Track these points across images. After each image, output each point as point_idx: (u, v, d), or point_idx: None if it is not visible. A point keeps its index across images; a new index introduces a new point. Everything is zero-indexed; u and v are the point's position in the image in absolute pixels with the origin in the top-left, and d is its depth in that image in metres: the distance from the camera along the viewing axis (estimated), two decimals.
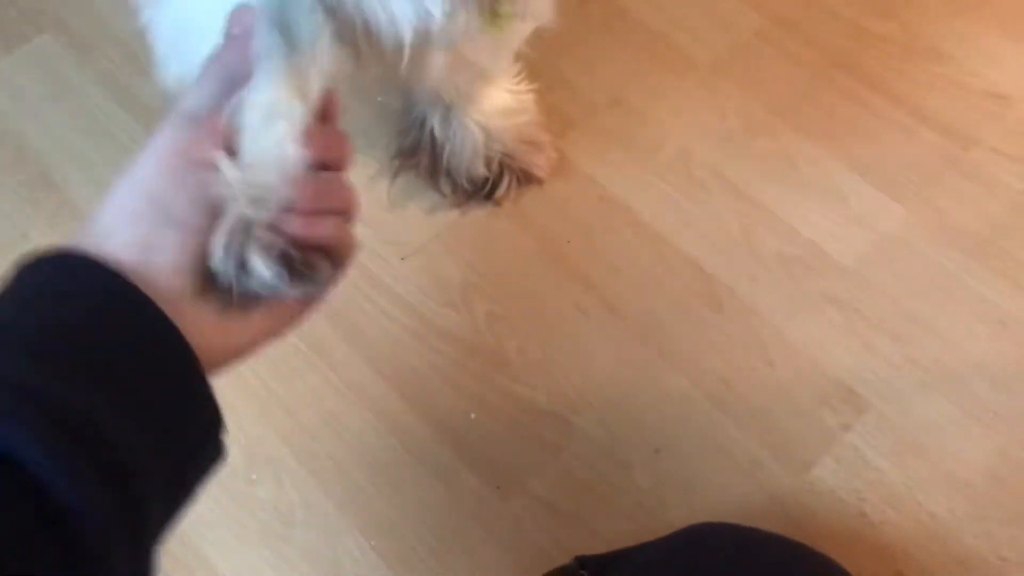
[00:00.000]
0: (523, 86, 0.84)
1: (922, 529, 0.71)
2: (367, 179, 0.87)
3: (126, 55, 0.95)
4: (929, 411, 0.75)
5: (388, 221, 0.85)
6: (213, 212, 0.39)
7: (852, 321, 0.79)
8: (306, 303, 0.43)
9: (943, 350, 0.78)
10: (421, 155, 0.84)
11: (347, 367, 0.77)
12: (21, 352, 0.33)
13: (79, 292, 0.36)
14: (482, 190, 0.84)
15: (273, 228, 0.40)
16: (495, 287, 0.81)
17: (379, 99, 0.91)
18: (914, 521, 0.71)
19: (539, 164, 0.85)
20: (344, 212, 0.44)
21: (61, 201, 0.86)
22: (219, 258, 0.39)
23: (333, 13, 0.49)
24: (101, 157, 0.89)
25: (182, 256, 0.38)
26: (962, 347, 0.78)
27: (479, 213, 0.85)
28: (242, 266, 0.39)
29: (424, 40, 0.54)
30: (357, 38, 0.55)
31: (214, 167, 0.39)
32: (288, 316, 0.43)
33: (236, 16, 0.43)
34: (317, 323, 0.79)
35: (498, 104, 0.82)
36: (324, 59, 0.45)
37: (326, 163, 0.43)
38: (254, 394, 0.76)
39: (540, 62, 0.85)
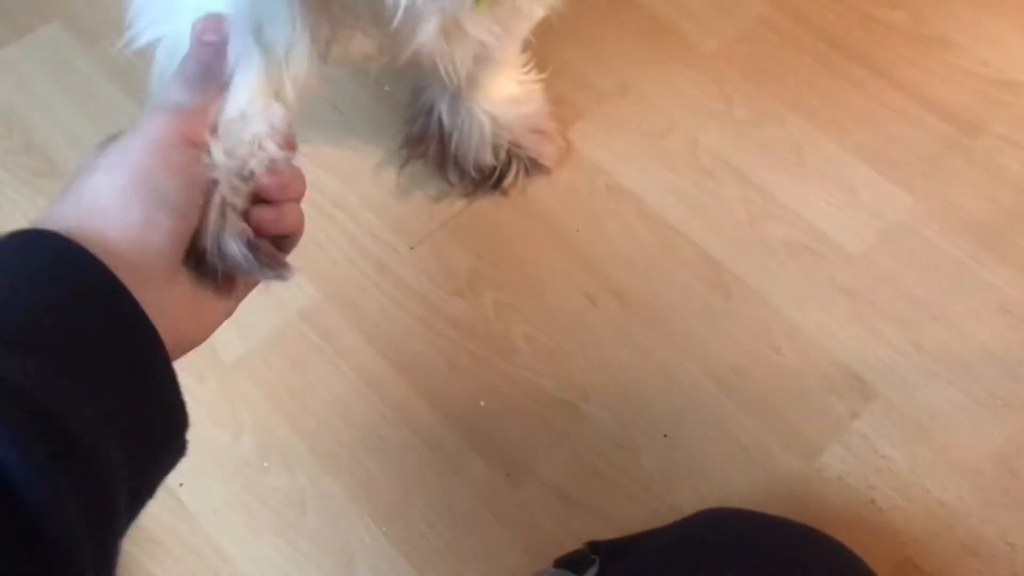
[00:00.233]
0: (532, 76, 0.84)
1: (930, 516, 0.71)
2: (375, 168, 0.87)
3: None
4: (937, 398, 0.75)
5: (396, 210, 0.85)
6: (202, 195, 0.41)
7: (860, 309, 0.79)
8: (252, 286, 0.45)
9: (951, 338, 0.78)
10: (429, 143, 0.84)
11: (357, 355, 0.78)
12: (7, 340, 0.32)
13: (58, 276, 0.35)
14: (489, 179, 0.84)
15: (246, 216, 0.43)
16: (503, 275, 0.81)
17: (386, 88, 0.91)
18: (922, 508, 0.71)
19: (547, 153, 0.85)
20: (300, 198, 0.46)
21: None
22: (207, 238, 0.41)
23: None
24: None
25: (173, 238, 0.39)
26: (969, 334, 0.78)
27: (487, 202, 0.85)
28: (219, 249, 0.41)
29: (414, 6, 0.55)
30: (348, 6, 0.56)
31: (205, 150, 0.41)
32: (240, 299, 0.45)
33: (207, 24, 0.44)
34: (327, 312, 0.79)
35: (506, 93, 0.82)
36: (299, 64, 0.47)
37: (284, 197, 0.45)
38: (265, 383, 0.76)
39: (546, 51, 0.85)
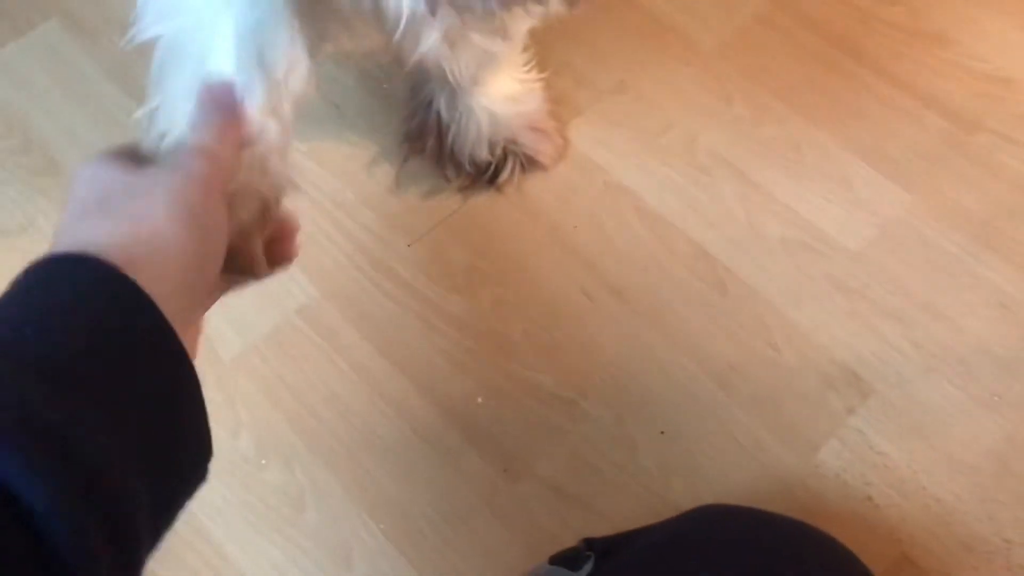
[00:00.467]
0: (532, 75, 0.84)
1: (927, 512, 0.71)
2: (374, 165, 0.87)
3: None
4: (934, 395, 0.75)
5: (395, 207, 0.85)
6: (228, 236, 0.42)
7: (857, 305, 0.79)
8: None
9: (948, 334, 0.78)
10: (427, 138, 0.84)
11: (355, 352, 0.78)
12: (26, 370, 0.31)
13: (101, 305, 0.34)
14: (484, 174, 0.85)
15: None
16: (501, 272, 0.82)
17: (385, 87, 0.91)
18: (919, 504, 0.71)
19: (544, 151, 0.85)
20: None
21: (66, 187, 0.86)
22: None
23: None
24: (107, 144, 0.88)
25: (208, 276, 0.40)
26: (967, 331, 0.78)
27: (485, 199, 0.85)
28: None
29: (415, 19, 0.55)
30: (353, 16, 0.56)
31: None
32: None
33: (218, 90, 0.46)
34: (325, 309, 0.80)
35: (505, 90, 0.82)
36: (298, 83, 0.48)
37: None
38: (263, 380, 0.77)
39: (546, 49, 0.85)
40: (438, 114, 0.82)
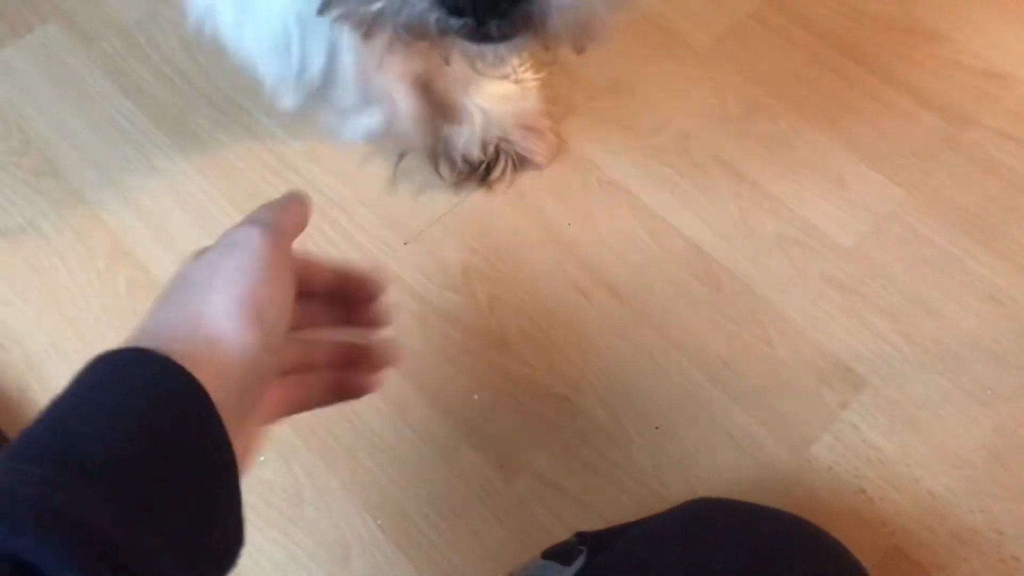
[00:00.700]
0: (528, 74, 0.84)
1: (920, 506, 0.71)
2: (370, 164, 0.88)
3: (129, 43, 0.96)
4: (927, 389, 0.76)
5: (391, 206, 0.86)
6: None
7: (850, 301, 0.80)
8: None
9: (941, 329, 0.78)
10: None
11: None
12: (81, 473, 0.32)
13: (157, 401, 0.34)
14: (476, 172, 0.85)
15: None
16: (496, 270, 0.82)
17: None
18: (912, 498, 0.72)
19: (537, 150, 0.86)
20: None
21: (67, 189, 0.87)
22: None
23: None
24: (106, 145, 0.90)
25: (267, 370, 0.38)
26: (959, 326, 0.79)
27: (480, 197, 0.86)
28: None
29: None
30: None
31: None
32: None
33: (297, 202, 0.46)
34: None
35: (499, 90, 0.83)
36: None
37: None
38: None
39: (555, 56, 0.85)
40: None
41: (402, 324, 0.80)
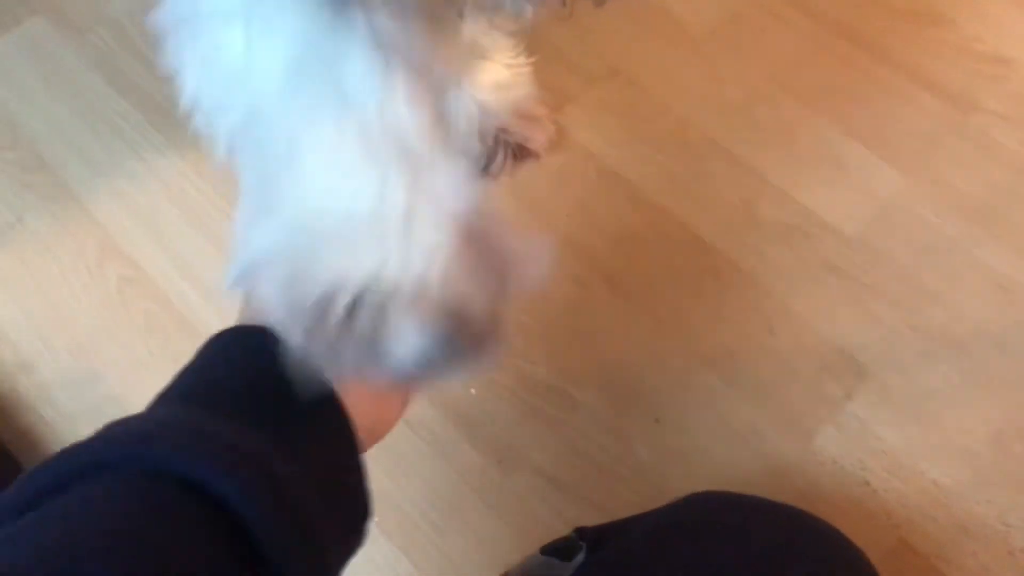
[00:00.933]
0: (520, 60, 0.83)
1: (925, 497, 0.70)
2: None
3: (119, 37, 0.94)
4: (931, 378, 0.75)
5: None
6: None
7: (853, 289, 0.79)
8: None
9: (945, 317, 0.77)
10: None
11: None
12: (225, 414, 0.35)
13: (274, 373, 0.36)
14: (476, 164, 0.84)
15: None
16: None
17: None
18: (917, 489, 0.71)
19: (536, 139, 0.84)
20: None
21: (55, 183, 0.86)
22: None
23: None
24: (95, 139, 0.88)
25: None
26: (964, 313, 0.77)
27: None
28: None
29: None
30: None
31: None
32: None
33: None
34: None
35: (494, 78, 0.81)
36: None
37: None
38: None
39: (535, 34, 0.84)
40: None
41: None
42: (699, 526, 0.52)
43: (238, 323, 0.40)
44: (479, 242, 0.37)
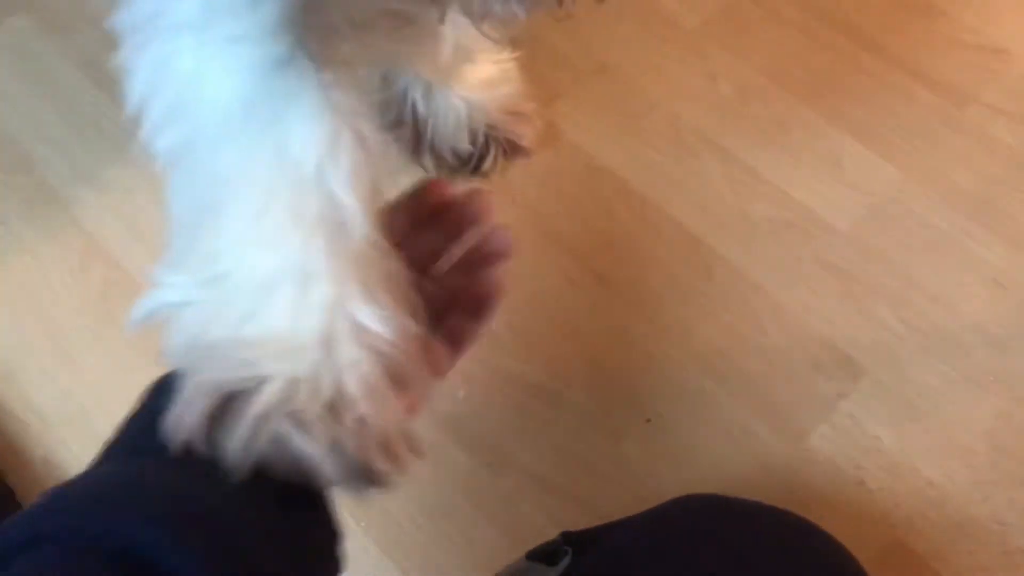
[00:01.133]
0: (506, 55, 0.82)
1: (921, 496, 0.69)
2: None
3: (102, 36, 0.92)
4: (927, 376, 0.74)
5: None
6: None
7: (847, 286, 0.77)
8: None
9: (940, 313, 0.76)
10: (404, 129, 0.82)
11: None
12: (172, 467, 0.34)
13: None
14: (468, 164, 0.83)
15: None
16: None
17: (360, 72, 0.89)
18: (912, 488, 0.70)
19: (525, 135, 0.83)
20: None
21: (38, 185, 0.85)
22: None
23: None
24: (79, 139, 0.87)
25: None
26: (960, 310, 0.76)
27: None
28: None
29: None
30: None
31: None
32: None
33: None
34: None
35: (481, 75, 0.80)
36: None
37: None
38: None
39: (523, 30, 0.83)
40: (414, 106, 0.80)
41: None
42: (684, 531, 0.51)
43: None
44: (388, 360, 0.37)
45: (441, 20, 0.44)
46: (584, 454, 0.72)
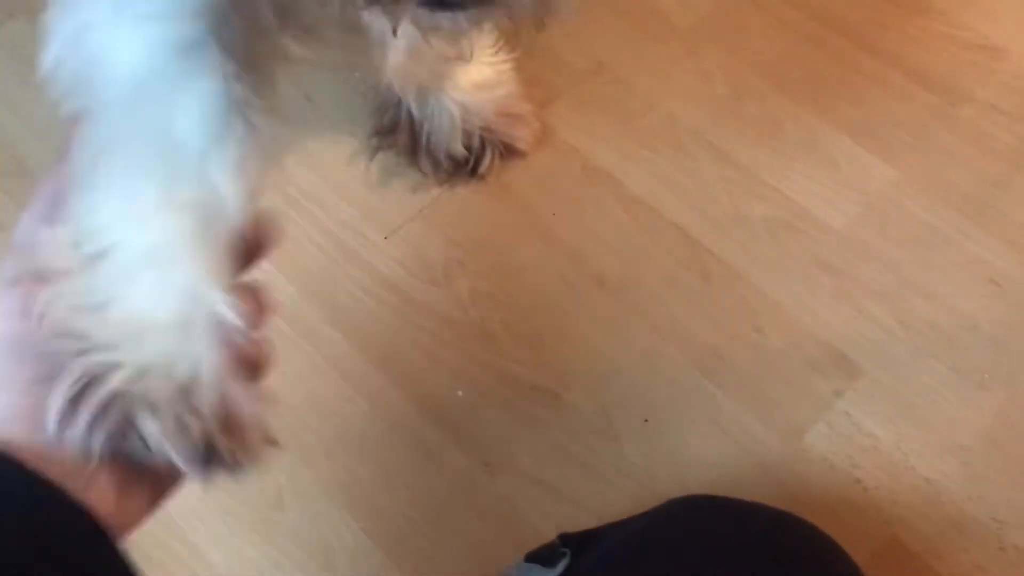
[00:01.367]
0: (500, 56, 0.82)
1: (917, 494, 0.70)
2: (348, 158, 0.85)
3: None
4: (923, 374, 0.74)
5: (370, 200, 0.84)
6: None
7: (843, 285, 0.78)
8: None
9: (936, 312, 0.76)
10: (399, 134, 0.82)
11: (332, 348, 0.76)
12: None
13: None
14: (464, 167, 0.83)
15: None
16: (479, 263, 0.80)
17: (357, 74, 0.89)
18: (909, 486, 0.70)
19: (521, 136, 0.84)
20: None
21: (35, 188, 0.85)
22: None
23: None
24: None
25: None
26: (956, 308, 0.77)
27: (461, 189, 0.84)
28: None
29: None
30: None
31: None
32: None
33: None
34: (301, 304, 0.78)
35: (475, 78, 0.80)
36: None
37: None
38: None
39: (517, 32, 0.83)
40: (409, 110, 0.80)
41: (382, 320, 0.78)
42: (681, 532, 0.51)
43: None
44: (240, 348, 0.37)
45: (394, 33, 0.45)
46: (582, 455, 0.72)
